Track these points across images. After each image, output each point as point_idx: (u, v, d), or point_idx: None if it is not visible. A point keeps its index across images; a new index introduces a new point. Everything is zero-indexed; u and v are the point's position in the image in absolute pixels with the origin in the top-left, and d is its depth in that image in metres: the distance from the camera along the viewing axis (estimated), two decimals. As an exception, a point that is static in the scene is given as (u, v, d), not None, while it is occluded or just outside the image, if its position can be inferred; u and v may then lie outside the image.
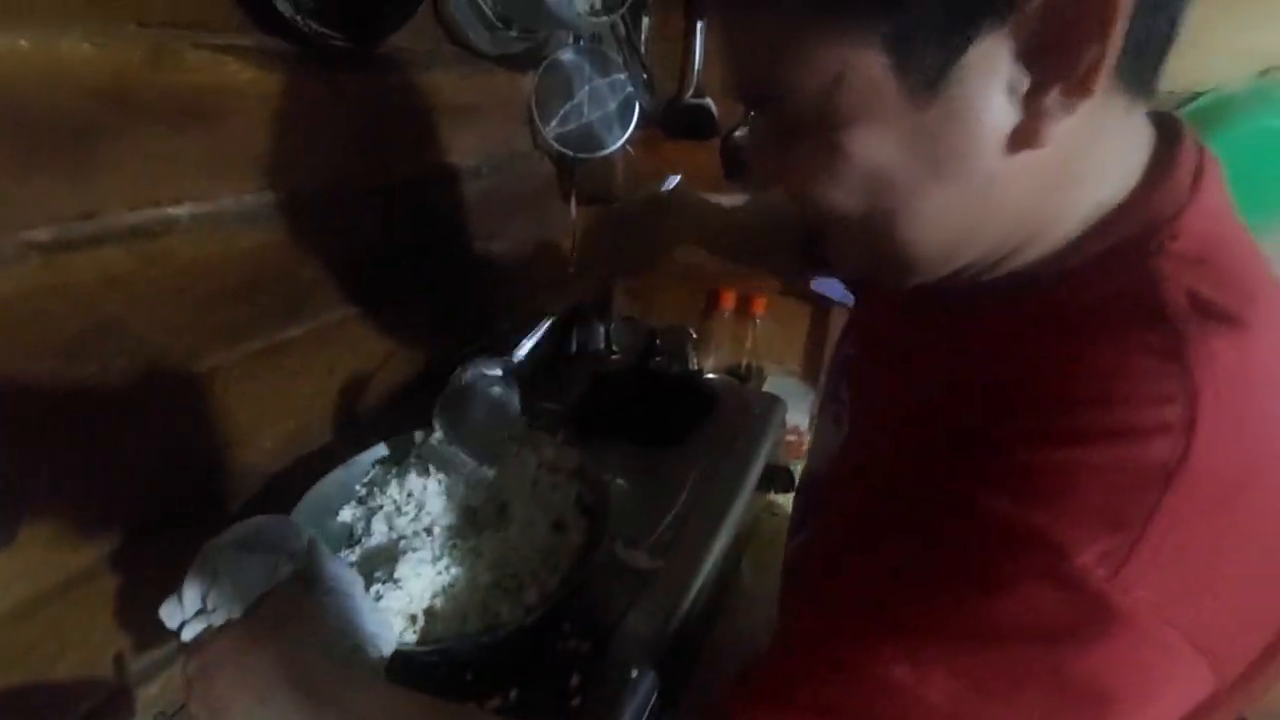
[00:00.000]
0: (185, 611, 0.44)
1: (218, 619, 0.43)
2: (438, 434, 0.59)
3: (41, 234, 0.46)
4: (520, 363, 0.61)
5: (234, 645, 0.41)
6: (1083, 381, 0.26)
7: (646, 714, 0.51)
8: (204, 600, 0.43)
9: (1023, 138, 0.26)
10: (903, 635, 0.26)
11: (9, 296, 0.44)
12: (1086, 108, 0.25)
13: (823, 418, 0.50)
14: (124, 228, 0.50)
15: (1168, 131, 0.31)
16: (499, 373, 0.60)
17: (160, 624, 0.46)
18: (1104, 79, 0.24)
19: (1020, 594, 0.24)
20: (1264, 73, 0.79)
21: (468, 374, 0.60)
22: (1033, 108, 0.26)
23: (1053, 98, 0.25)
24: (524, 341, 0.61)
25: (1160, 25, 0.26)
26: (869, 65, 0.26)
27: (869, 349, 0.45)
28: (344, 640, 0.41)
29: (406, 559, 0.50)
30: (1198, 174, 0.30)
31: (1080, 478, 0.24)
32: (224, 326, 0.59)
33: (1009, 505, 0.25)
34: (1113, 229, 0.29)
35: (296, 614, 0.42)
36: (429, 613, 0.50)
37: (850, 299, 0.99)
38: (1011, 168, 0.27)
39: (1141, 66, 0.27)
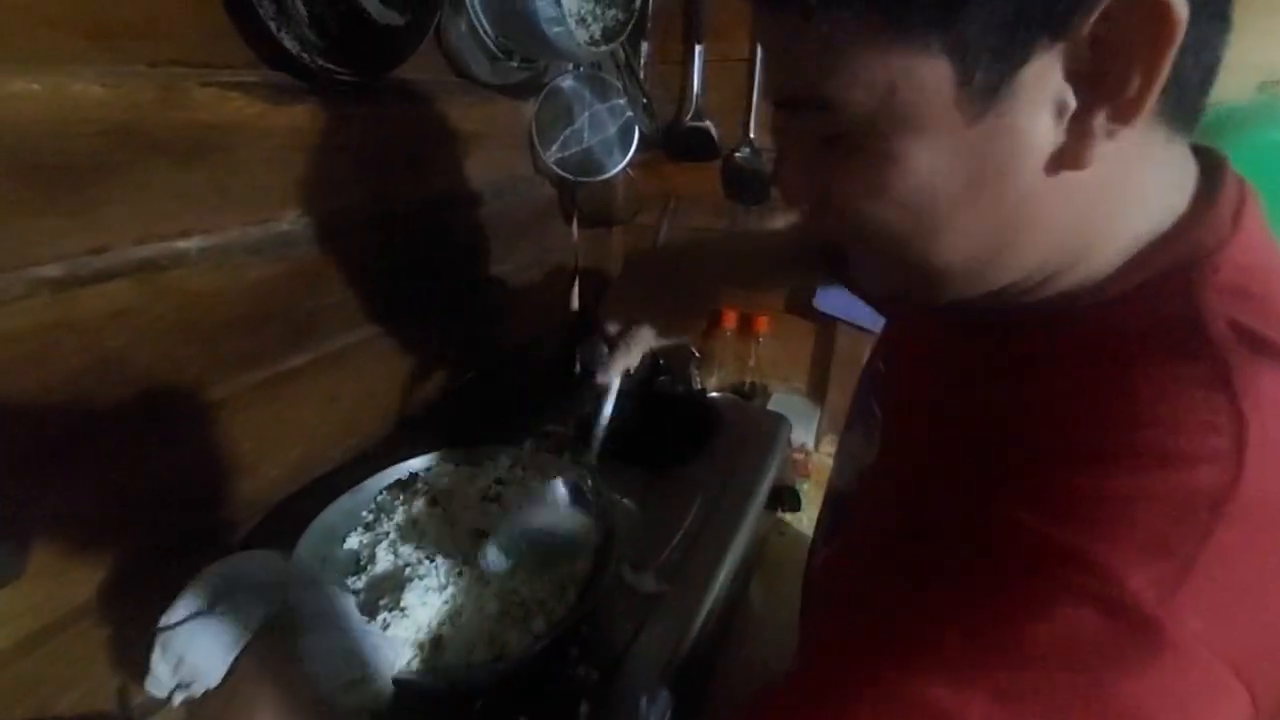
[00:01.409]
0: (164, 687, 0.43)
1: (197, 690, 0.42)
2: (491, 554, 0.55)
3: (52, 270, 0.46)
4: (595, 462, 0.58)
5: (216, 713, 0.40)
6: (1128, 406, 0.26)
7: (657, 743, 0.50)
8: (176, 671, 0.43)
9: (1065, 158, 0.27)
10: (941, 655, 0.26)
11: (18, 332, 0.45)
12: (1129, 134, 0.26)
13: (852, 432, 0.49)
14: (132, 262, 0.51)
15: (1210, 165, 0.32)
16: (567, 490, 0.57)
17: None
18: (1148, 107, 0.25)
19: (1061, 617, 0.24)
20: (1262, 86, 0.79)
21: (547, 489, 0.56)
22: (1077, 129, 0.26)
23: (1098, 121, 0.26)
24: (596, 432, 0.58)
25: (1204, 59, 0.27)
26: (929, 73, 0.26)
27: (901, 365, 0.44)
28: (340, 677, 0.40)
29: (413, 587, 0.50)
30: (1239, 207, 0.30)
31: (1129, 503, 0.24)
32: (230, 358, 0.60)
33: (1051, 527, 0.25)
34: (1155, 259, 0.30)
35: (276, 664, 0.41)
36: (436, 642, 0.49)
37: (857, 317, 1.00)
38: (1049, 188, 0.28)
39: (1183, 99, 0.28)
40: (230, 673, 0.40)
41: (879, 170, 0.28)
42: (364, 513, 0.61)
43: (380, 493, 0.64)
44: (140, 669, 0.56)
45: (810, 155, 0.31)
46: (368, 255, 0.72)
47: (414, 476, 0.62)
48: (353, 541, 0.58)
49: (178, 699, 0.42)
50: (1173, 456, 0.24)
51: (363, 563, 0.55)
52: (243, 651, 0.40)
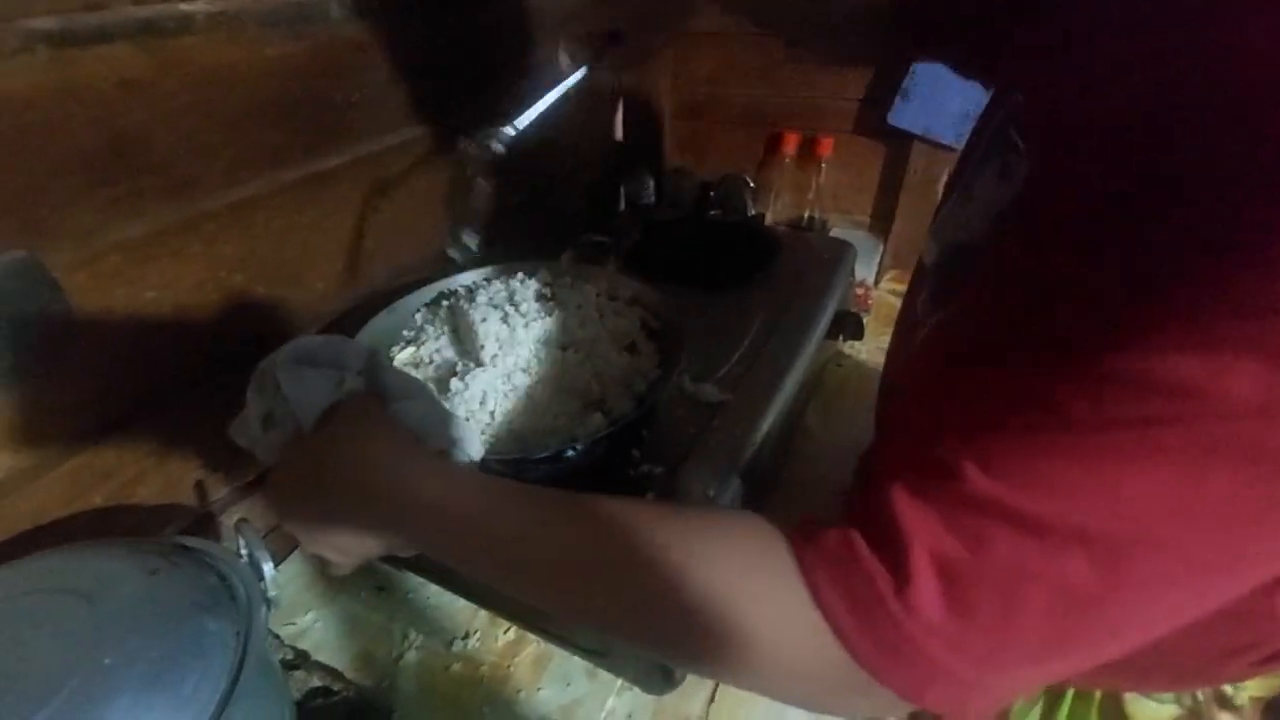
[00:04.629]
0: (253, 430, 0.41)
1: (288, 432, 0.39)
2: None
3: (46, 22, 0.41)
4: (519, 134, 0.54)
5: (318, 456, 0.37)
6: None
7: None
8: (268, 417, 0.41)
9: None
10: (1187, 322, 0.20)
11: (21, 94, 0.41)
12: None
13: (972, 181, 0.41)
14: (134, 22, 0.45)
15: None
16: (501, 150, 0.54)
17: (235, 458, 0.44)
18: None
19: None
20: None
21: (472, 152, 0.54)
22: None
23: None
24: (526, 112, 0.54)
25: None
26: None
27: (1051, 79, 0.36)
28: (432, 443, 0.38)
29: (469, 384, 0.48)
30: None
31: None
32: (257, 150, 0.55)
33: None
34: None
35: (373, 420, 0.38)
36: (497, 435, 0.48)
37: (936, 131, 0.89)
38: None
39: None
40: (324, 423, 0.37)
41: None
42: (404, 330, 0.59)
43: (420, 308, 0.61)
44: (212, 467, 0.58)
45: None
46: (404, 43, 0.65)
47: (454, 290, 0.59)
48: (399, 355, 0.55)
49: (263, 451, 0.40)
50: None
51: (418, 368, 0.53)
52: (334, 407, 0.38)
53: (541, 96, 0.53)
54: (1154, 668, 0.44)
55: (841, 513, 0.26)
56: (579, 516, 0.31)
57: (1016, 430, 0.23)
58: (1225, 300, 0.20)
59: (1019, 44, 0.40)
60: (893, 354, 0.51)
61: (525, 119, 0.53)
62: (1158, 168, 0.23)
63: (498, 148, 0.54)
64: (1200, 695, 0.46)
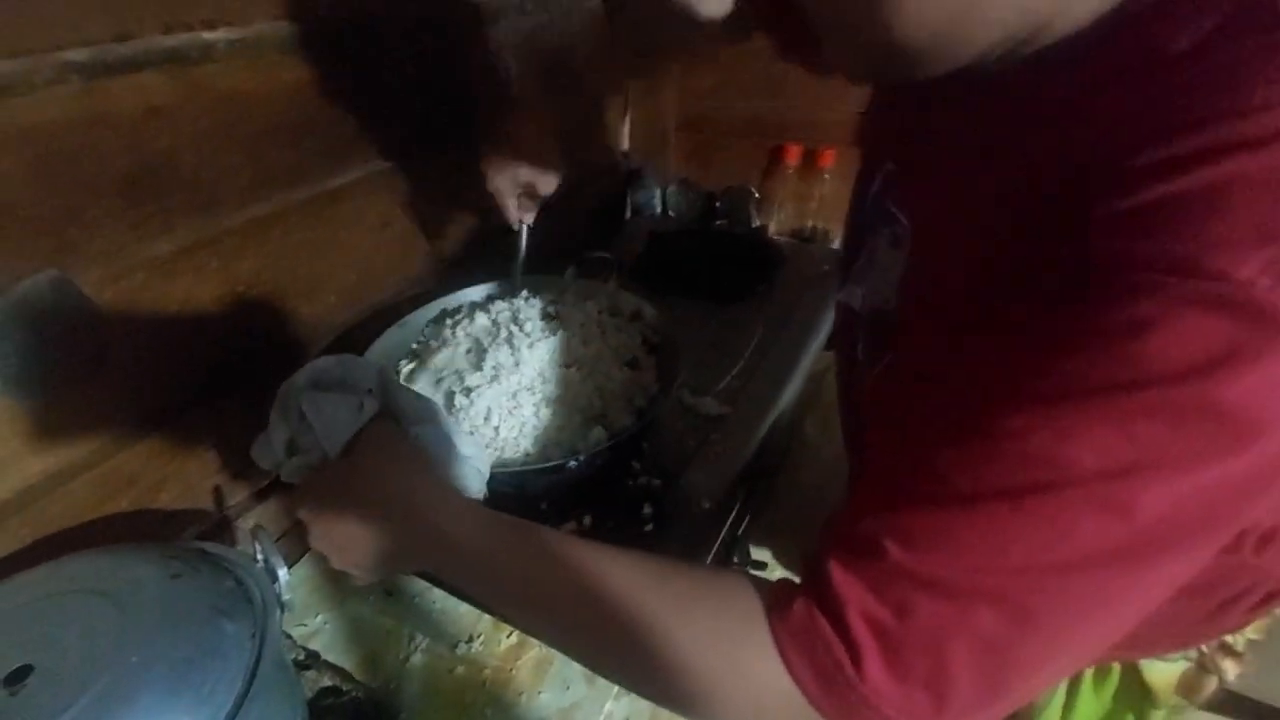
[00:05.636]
0: (277, 454, 0.43)
1: (314, 459, 0.42)
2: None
3: (78, 54, 0.43)
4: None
5: (346, 483, 0.39)
6: (1205, 100, 0.23)
7: (718, 544, 0.51)
8: (292, 443, 0.43)
9: None
10: (1036, 401, 0.24)
11: (55, 122, 0.43)
12: None
13: (874, 245, 0.44)
14: (160, 51, 0.47)
15: None
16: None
17: (250, 466, 0.46)
18: None
19: (1172, 328, 0.22)
20: None
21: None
22: None
23: None
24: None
25: None
26: None
27: (916, 157, 0.40)
28: (447, 465, 0.41)
29: (480, 397, 0.50)
30: None
31: (1226, 195, 0.22)
32: (275, 169, 0.57)
33: (1147, 244, 0.23)
34: None
35: (392, 448, 0.40)
36: (501, 449, 0.50)
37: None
38: None
39: None
40: (348, 451, 0.39)
41: None
42: (413, 345, 0.61)
43: (428, 324, 0.63)
44: (229, 473, 0.60)
45: None
46: (406, 68, 0.67)
47: (459, 307, 0.61)
48: (408, 369, 0.58)
49: (288, 472, 0.42)
50: (1266, 138, 0.22)
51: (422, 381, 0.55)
52: (360, 433, 0.40)
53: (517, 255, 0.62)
54: (1158, 636, 0.47)
55: (805, 570, 0.29)
56: (582, 567, 0.33)
57: (920, 504, 0.27)
58: (1066, 380, 0.23)
59: (883, 123, 0.43)
60: (845, 386, 0.52)
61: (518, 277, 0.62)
62: (1021, 244, 0.27)
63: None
64: (1205, 648, 0.49)
